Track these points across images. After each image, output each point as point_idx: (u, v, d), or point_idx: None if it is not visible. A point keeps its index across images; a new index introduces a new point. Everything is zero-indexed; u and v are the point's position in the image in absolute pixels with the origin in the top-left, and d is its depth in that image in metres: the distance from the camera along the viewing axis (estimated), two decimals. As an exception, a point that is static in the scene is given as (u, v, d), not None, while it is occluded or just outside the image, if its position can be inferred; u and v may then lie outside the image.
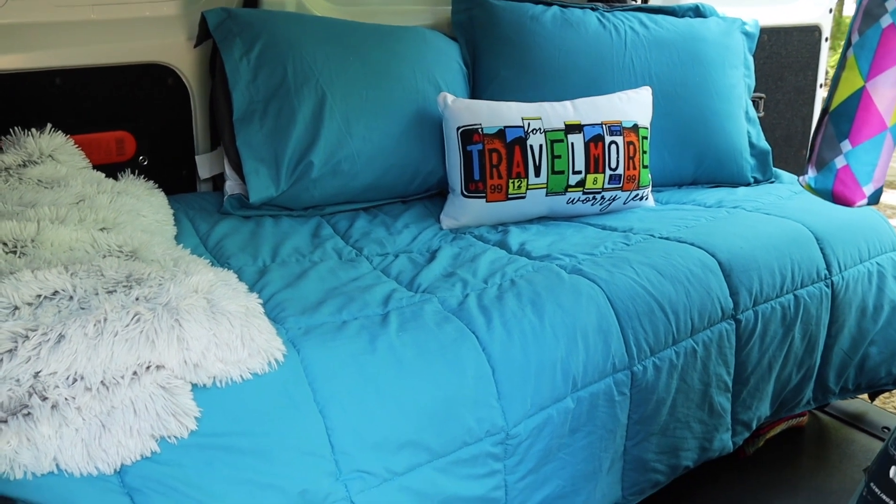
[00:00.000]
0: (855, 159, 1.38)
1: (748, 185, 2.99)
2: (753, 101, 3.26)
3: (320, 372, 1.62)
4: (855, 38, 1.38)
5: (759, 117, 3.21)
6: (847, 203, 1.43)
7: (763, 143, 3.05)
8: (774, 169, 3.08)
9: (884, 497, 1.24)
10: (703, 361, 2.19)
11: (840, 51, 1.47)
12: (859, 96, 1.36)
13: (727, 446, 2.38)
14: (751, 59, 3.14)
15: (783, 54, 3.81)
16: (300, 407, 1.56)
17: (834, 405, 3.02)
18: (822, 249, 2.48)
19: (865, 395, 2.97)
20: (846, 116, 1.37)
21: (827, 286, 2.47)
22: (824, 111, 1.43)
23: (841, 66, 1.41)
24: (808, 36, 3.85)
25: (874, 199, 1.42)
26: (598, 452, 2.01)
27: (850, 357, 2.64)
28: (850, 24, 1.41)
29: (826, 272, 2.47)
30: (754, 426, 2.46)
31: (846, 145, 1.38)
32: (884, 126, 1.35)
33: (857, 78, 1.37)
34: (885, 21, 1.33)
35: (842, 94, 1.39)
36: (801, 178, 1.49)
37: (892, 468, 1.26)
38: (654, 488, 2.23)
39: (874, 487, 1.26)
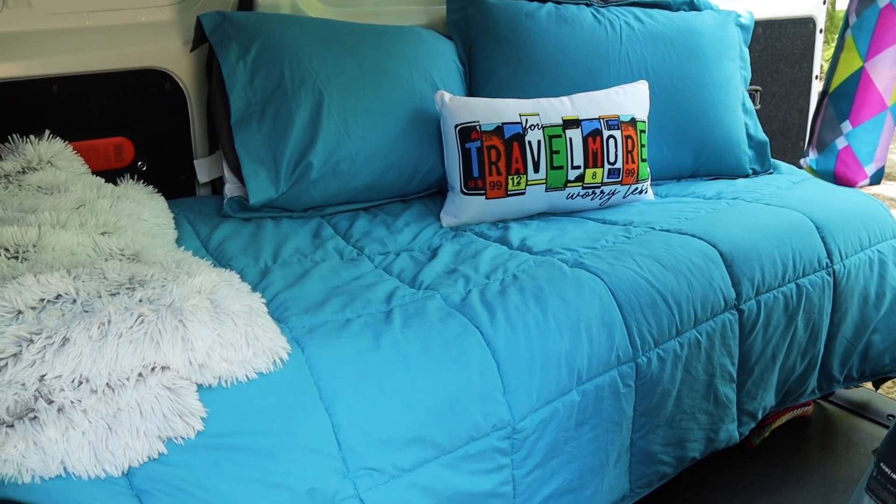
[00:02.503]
0: (856, 139, 1.39)
1: (747, 176, 2.99)
2: (750, 94, 3.26)
3: (325, 370, 1.61)
4: (853, 19, 1.38)
5: (755, 110, 3.21)
6: (849, 183, 1.43)
7: (761, 135, 3.05)
8: (773, 160, 3.08)
9: (894, 476, 1.24)
10: (707, 352, 2.19)
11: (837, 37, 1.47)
12: (858, 76, 1.36)
13: (733, 437, 2.38)
14: (746, 51, 3.14)
15: (778, 47, 3.81)
16: (306, 405, 1.56)
17: (838, 394, 3.02)
18: (822, 238, 2.47)
19: (870, 384, 2.97)
20: (846, 97, 1.38)
21: (829, 274, 2.47)
22: (823, 93, 1.44)
23: (839, 47, 1.41)
24: (802, 28, 3.85)
25: (876, 178, 1.42)
26: (605, 445, 2.01)
27: (854, 345, 2.64)
28: (848, 5, 1.41)
29: (827, 261, 2.47)
30: (760, 416, 2.46)
31: (847, 126, 1.39)
32: (884, 105, 1.36)
33: (855, 59, 1.37)
34: (883, 1, 1.33)
35: (841, 75, 1.39)
36: (802, 160, 1.49)
37: (903, 447, 1.26)
38: (661, 480, 2.23)
39: (884, 467, 1.27)
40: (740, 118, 3.01)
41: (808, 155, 1.47)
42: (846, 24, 1.41)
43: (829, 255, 2.47)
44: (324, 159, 2.50)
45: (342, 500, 1.55)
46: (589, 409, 1.95)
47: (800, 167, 1.57)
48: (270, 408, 1.51)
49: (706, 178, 2.99)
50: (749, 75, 3.15)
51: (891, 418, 2.91)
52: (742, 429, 2.40)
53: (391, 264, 2.17)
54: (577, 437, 1.94)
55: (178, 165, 2.76)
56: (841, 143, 1.39)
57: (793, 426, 2.85)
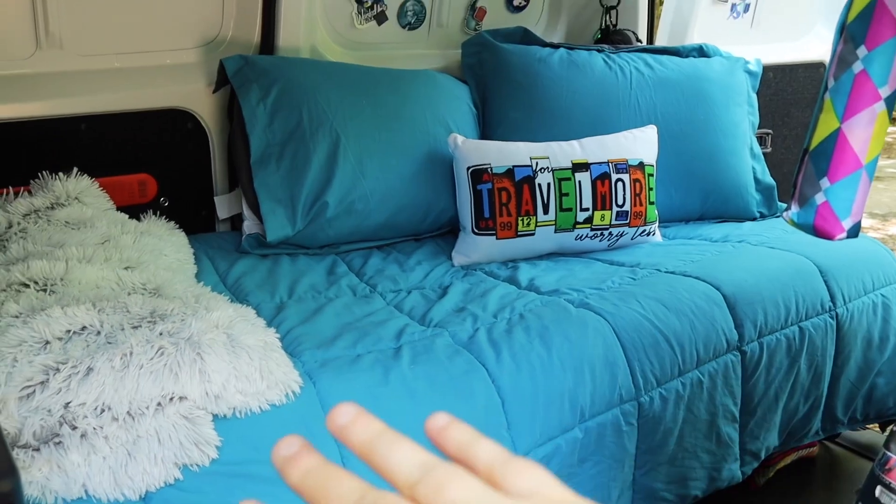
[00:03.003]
0: (833, 195, 1.45)
1: (754, 219, 3.05)
2: (760, 137, 3.32)
3: (336, 403, 1.67)
4: (831, 83, 1.46)
5: (766, 153, 3.27)
6: (827, 236, 1.50)
7: (768, 179, 3.12)
8: (780, 203, 3.14)
9: (871, 514, 1.29)
10: (710, 392, 2.24)
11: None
12: (836, 137, 1.43)
13: (736, 476, 2.41)
14: (754, 96, 3.21)
15: (789, 91, 3.87)
16: (316, 437, 1.61)
17: (845, 436, 3.05)
18: (826, 282, 2.53)
19: (877, 426, 2.99)
20: (824, 156, 1.45)
21: (832, 318, 2.52)
22: (805, 151, 1.50)
23: (819, 108, 1.49)
24: (813, 72, 3.92)
25: (853, 232, 1.48)
26: (607, 482, 2.05)
27: (858, 387, 2.68)
28: (826, 69, 1.48)
29: (830, 304, 2.51)
30: (763, 456, 2.49)
31: (825, 182, 1.45)
32: (859, 164, 1.42)
33: (833, 120, 1.44)
34: (857, 67, 1.40)
35: (820, 135, 1.47)
36: (784, 213, 1.56)
37: (878, 488, 1.31)
38: (664, 518, 2.27)
39: (862, 506, 1.31)
40: (748, 162, 3.08)
41: (790, 208, 1.54)
42: (825, 87, 1.49)
43: (833, 299, 2.52)
44: (339, 199, 2.58)
45: (349, 529, 1.60)
46: (591, 446, 2.00)
47: (784, 219, 1.64)
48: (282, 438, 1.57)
49: (714, 220, 3.04)
50: (757, 120, 3.22)
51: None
52: (745, 468, 2.44)
53: (402, 302, 2.24)
54: (580, 473, 1.99)
55: (198, 202, 2.84)
56: (820, 198, 1.45)
57: (798, 467, 2.88)
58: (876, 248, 2.78)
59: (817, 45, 3.94)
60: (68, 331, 1.52)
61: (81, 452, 1.35)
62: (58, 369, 1.40)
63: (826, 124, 1.45)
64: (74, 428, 1.36)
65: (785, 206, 3.14)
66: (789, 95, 3.88)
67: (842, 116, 1.42)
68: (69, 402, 1.38)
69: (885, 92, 1.43)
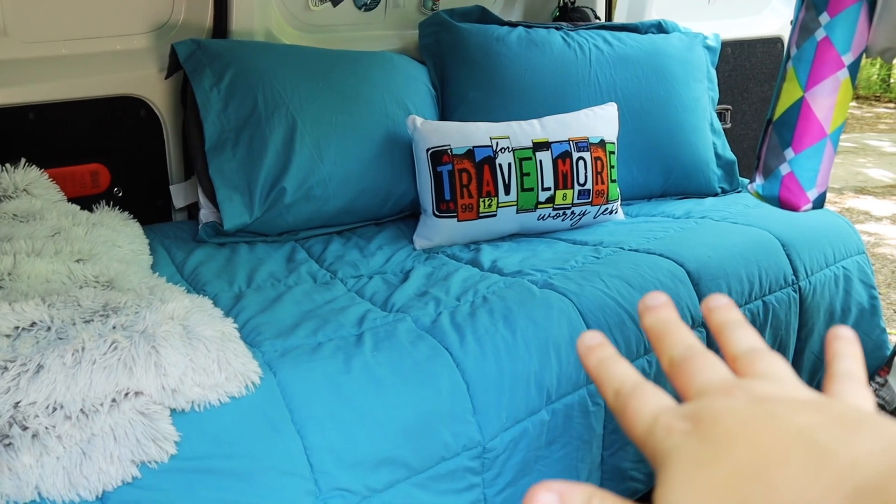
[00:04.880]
0: (798, 166, 1.44)
1: (716, 195, 3.05)
2: (720, 113, 3.32)
3: (297, 393, 1.64)
4: (793, 51, 1.44)
5: (725, 128, 3.27)
6: (793, 208, 1.48)
7: (729, 154, 3.12)
8: (741, 179, 3.14)
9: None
10: (676, 369, 2.23)
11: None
12: (799, 106, 1.42)
13: (703, 452, 2.41)
14: (714, 72, 3.21)
15: (747, 66, 3.88)
16: (278, 428, 1.59)
17: (809, 408, 3.06)
18: (788, 256, 2.53)
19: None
20: (788, 125, 1.43)
21: (794, 291, 2.52)
22: (768, 121, 1.49)
23: (781, 77, 1.47)
24: (770, 48, 3.93)
25: (818, 203, 1.47)
26: (576, 463, 2.04)
27: (821, 360, 2.69)
28: (789, 37, 1.47)
29: (793, 277, 2.52)
30: (729, 432, 2.50)
31: (789, 153, 1.44)
32: (823, 133, 1.41)
33: (796, 89, 1.42)
34: (820, 34, 1.39)
35: (783, 105, 1.45)
36: (749, 185, 1.54)
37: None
38: (633, 496, 2.26)
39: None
40: (708, 138, 3.07)
41: (754, 180, 1.52)
42: (787, 56, 1.47)
43: (795, 272, 2.53)
44: (297, 185, 2.54)
45: (315, 520, 1.58)
46: (559, 427, 1.98)
47: (748, 192, 1.63)
48: (243, 431, 1.54)
49: (676, 197, 3.04)
50: (717, 96, 3.22)
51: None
52: (712, 444, 2.44)
53: (363, 287, 2.21)
54: (548, 455, 1.97)
55: (154, 191, 2.78)
56: (784, 169, 1.44)
57: (764, 441, 2.89)
58: (836, 220, 2.80)
59: (774, 20, 3.95)
60: (16, 327, 1.47)
61: (33, 453, 1.31)
62: (6, 368, 1.35)
63: (789, 93, 1.43)
64: (25, 428, 1.32)
65: (747, 180, 3.16)
66: (748, 70, 3.88)
67: (805, 85, 1.41)
68: (19, 402, 1.33)
69: (848, 59, 1.42)
